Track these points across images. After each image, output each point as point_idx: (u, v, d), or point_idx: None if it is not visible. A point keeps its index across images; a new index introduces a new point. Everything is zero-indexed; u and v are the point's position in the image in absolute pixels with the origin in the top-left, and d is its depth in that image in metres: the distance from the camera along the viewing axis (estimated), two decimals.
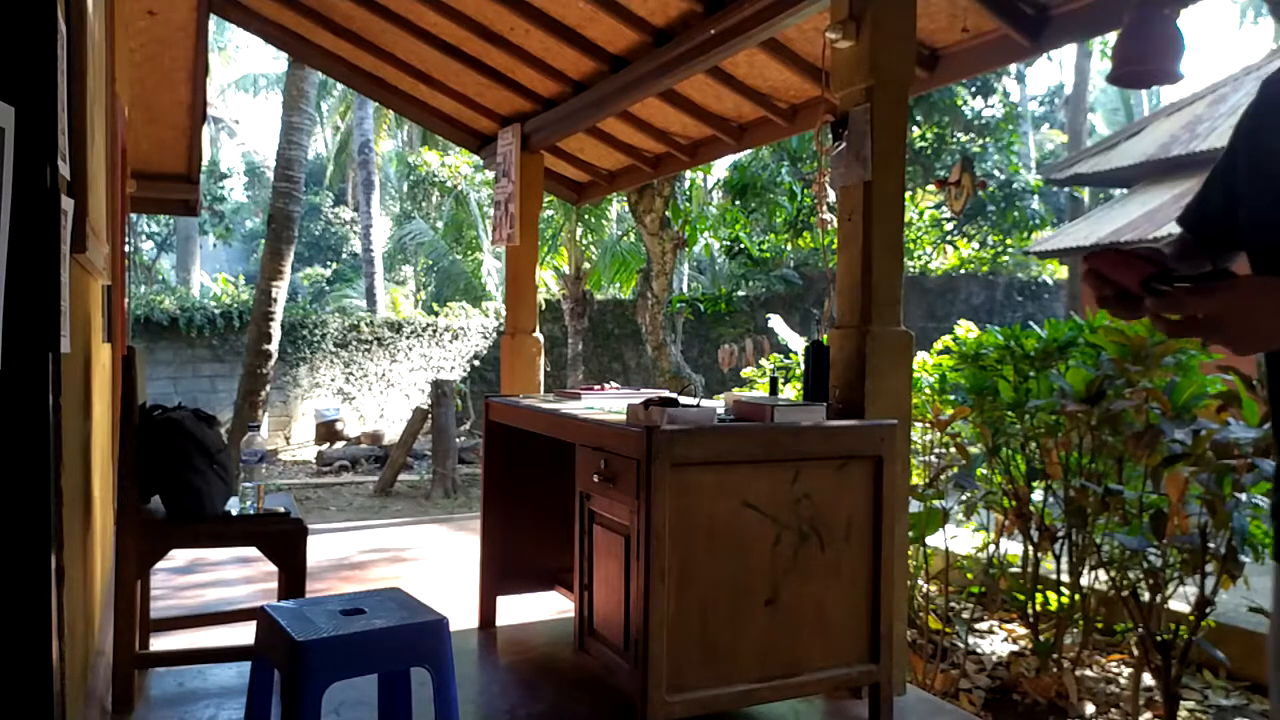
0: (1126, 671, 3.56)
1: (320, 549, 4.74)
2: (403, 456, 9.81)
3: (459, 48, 4.60)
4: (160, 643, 2.98)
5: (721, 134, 4.89)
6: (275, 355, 9.86)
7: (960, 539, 4.28)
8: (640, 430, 2.28)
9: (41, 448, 1.35)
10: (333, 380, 13.32)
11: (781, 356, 7.03)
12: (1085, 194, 16.40)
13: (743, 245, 13.06)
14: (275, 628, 1.76)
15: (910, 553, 3.57)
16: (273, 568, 2.60)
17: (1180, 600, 3.03)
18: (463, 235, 16.89)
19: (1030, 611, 3.59)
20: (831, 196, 3.00)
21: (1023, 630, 3.93)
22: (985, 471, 3.70)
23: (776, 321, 9.21)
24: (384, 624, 1.78)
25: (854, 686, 2.62)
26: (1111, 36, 3.13)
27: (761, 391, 5.73)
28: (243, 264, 24.89)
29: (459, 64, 4.72)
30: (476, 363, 14.16)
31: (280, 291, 9.60)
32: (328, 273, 23.26)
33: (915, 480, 3.73)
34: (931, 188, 12.81)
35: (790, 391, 5.18)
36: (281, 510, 2.66)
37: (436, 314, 15.11)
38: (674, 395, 2.73)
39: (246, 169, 24.89)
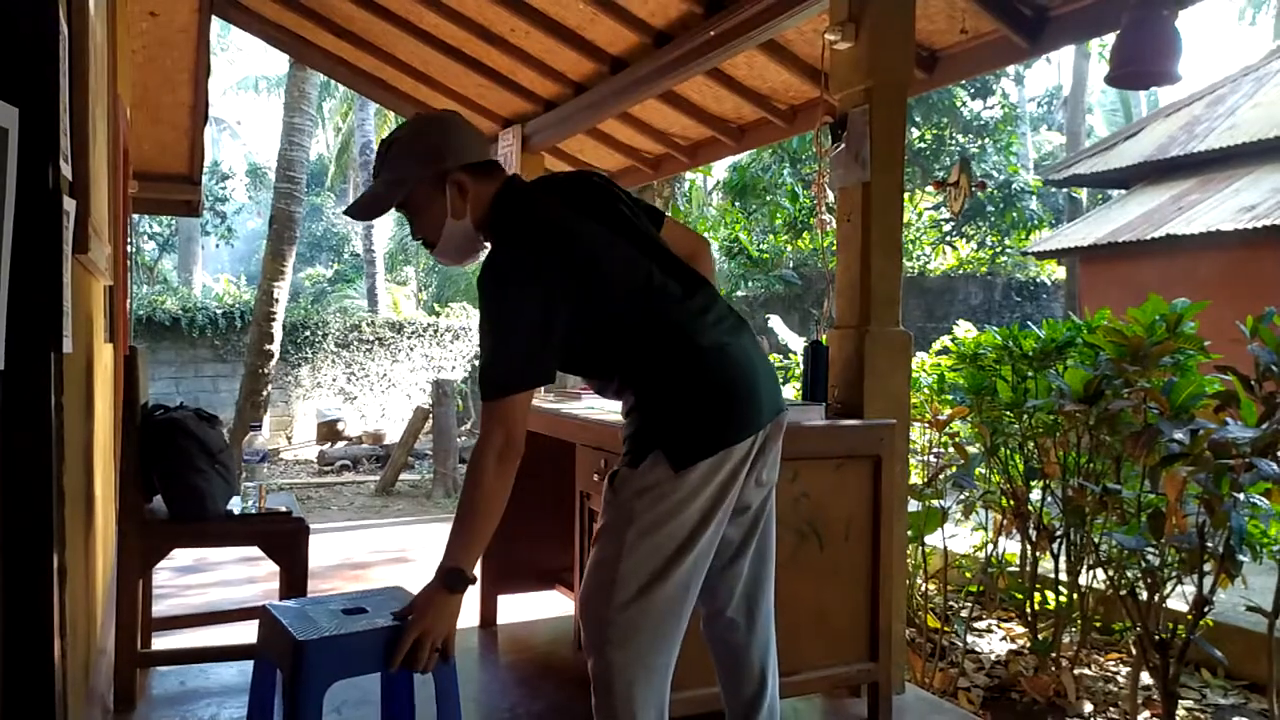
0: (1124, 670, 3.57)
1: (322, 548, 4.75)
2: (404, 456, 9.82)
3: (460, 49, 4.61)
4: (162, 642, 2.99)
5: (721, 135, 4.90)
6: (277, 355, 9.88)
7: (959, 538, 4.29)
8: None
9: (44, 447, 1.36)
10: (334, 380, 13.33)
11: (781, 356, 7.04)
12: (1084, 195, 16.40)
13: (742, 246, 13.07)
14: (277, 627, 1.76)
15: (909, 552, 3.58)
16: (275, 567, 2.61)
17: (1178, 599, 3.03)
18: None
19: (1028, 610, 3.60)
20: (831, 198, 3.01)
21: (1021, 629, 3.93)
22: (984, 471, 3.71)
23: (776, 322, 9.23)
24: (386, 623, 1.79)
25: (853, 685, 2.63)
26: (1110, 38, 3.13)
27: None
28: (244, 264, 24.90)
29: (460, 65, 4.73)
30: (477, 363, 14.16)
31: (282, 292, 9.62)
32: (329, 273, 23.26)
33: (914, 480, 3.74)
34: (930, 189, 12.80)
35: (789, 391, 5.19)
36: (283, 510, 2.67)
37: (438, 314, 15.11)
38: None
39: (248, 170, 24.88)
